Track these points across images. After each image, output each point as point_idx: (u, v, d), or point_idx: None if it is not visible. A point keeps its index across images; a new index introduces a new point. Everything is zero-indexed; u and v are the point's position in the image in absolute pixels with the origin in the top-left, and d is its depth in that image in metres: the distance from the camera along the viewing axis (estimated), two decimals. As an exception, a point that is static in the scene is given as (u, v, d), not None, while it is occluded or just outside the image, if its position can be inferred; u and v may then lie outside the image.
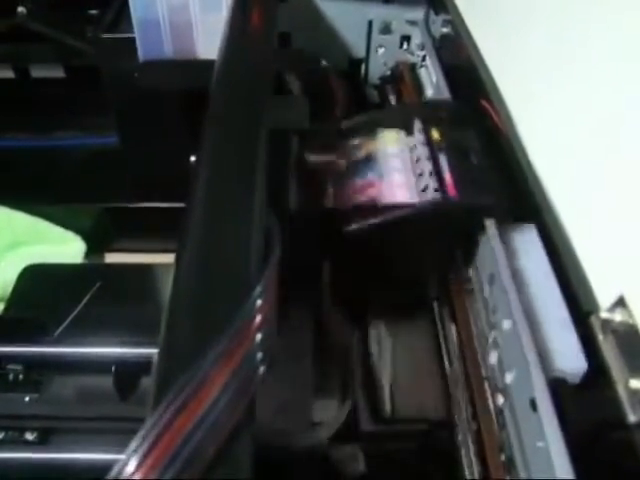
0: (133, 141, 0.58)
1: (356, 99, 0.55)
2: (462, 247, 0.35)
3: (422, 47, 0.51)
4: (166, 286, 0.57)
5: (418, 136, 0.38)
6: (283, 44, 0.52)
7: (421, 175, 0.36)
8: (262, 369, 0.18)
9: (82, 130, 0.66)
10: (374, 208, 0.34)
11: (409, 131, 0.40)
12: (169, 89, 0.52)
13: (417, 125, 0.39)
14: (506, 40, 0.38)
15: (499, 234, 0.32)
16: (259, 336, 0.18)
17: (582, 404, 0.24)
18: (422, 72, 0.51)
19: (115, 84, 0.54)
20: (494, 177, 0.34)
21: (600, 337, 0.22)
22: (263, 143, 0.27)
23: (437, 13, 0.51)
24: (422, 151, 0.37)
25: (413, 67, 0.52)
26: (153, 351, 0.44)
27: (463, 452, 0.29)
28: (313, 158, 0.38)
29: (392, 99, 0.51)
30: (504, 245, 0.31)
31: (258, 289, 0.19)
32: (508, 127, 0.35)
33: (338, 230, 0.34)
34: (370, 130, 0.40)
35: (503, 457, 0.27)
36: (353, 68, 0.55)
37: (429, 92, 0.48)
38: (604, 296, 0.23)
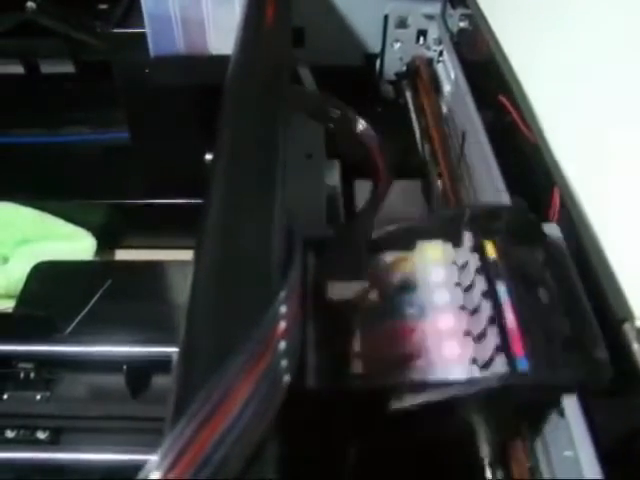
0: (144, 137, 0.58)
1: (372, 95, 0.55)
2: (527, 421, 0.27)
3: (439, 42, 0.50)
4: (178, 283, 0.57)
5: (468, 255, 0.29)
6: (297, 39, 0.51)
7: (475, 313, 0.27)
8: (287, 377, 0.18)
9: (92, 126, 0.65)
10: (417, 385, 0.25)
11: (456, 243, 0.30)
12: (180, 85, 0.52)
13: (467, 239, 0.29)
14: (530, 34, 0.37)
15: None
16: (283, 344, 0.18)
17: (613, 413, 0.23)
18: (439, 67, 0.50)
19: (126, 80, 0.54)
20: (588, 331, 0.25)
21: (635, 346, 0.22)
22: (282, 140, 0.26)
23: (454, 7, 0.50)
24: (476, 280, 0.27)
25: (430, 62, 0.51)
26: (165, 349, 0.44)
27: (485, 459, 0.28)
28: (336, 291, 0.28)
29: (408, 95, 0.50)
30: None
31: (282, 294, 0.19)
32: (532, 125, 0.34)
33: (368, 412, 0.26)
34: (407, 242, 0.30)
35: (528, 465, 0.26)
36: (368, 63, 0.54)
37: (447, 88, 0.47)
38: (638, 304, 0.22)
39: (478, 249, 0.28)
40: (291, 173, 0.26)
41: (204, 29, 0.49)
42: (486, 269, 0.27)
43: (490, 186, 0.35)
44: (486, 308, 0.26)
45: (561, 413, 0.23)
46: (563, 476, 0.23)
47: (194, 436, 0.15)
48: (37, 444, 0.40)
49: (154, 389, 0.42)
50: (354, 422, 0.27)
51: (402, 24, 0.52)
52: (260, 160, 0.25)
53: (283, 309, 0.18)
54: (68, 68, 0.63)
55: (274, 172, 0.24)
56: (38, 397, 0.42)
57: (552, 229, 0.32)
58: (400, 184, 0.42)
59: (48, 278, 0.54)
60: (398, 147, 0.48)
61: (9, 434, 0.41)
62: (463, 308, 0.27)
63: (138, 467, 0.15)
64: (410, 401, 0.25)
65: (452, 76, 0.45)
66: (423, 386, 0.25)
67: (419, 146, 0.45)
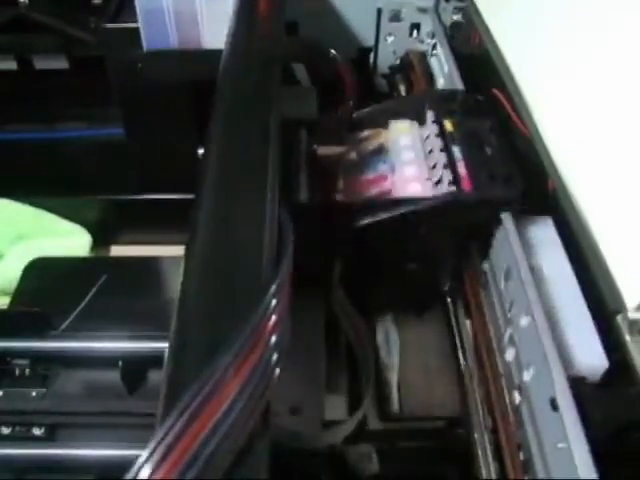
0: (139, 132, 0.57)
1: (365, 89, 0.54)
2: (477, 240, 0.34)
3: (432, 35, 0.50)
4: (173, 279, 0.57)
5: (431, 127, 0.37)
6: (291, 33, 0.51)
7: (434, 167, 0.35)
8: (277, 371, 0.18)
9: (87, 122, 0.65)
10: (386, 202, 0.34)
11: (421, 122, 0.39)
12: (174, 79, 0.52)
13: (430, 115, 0.38)
14: (523, 27, 0.37)
15: (515, 227, 0.31)
16: (274, 337, 0.18)
17: (606, 404, 0.23)
18: (433, 61, 0.50)
19: (119, 75, 0.54)
20: (509, 169, 0.33)
21: (627, 337, 0.22)
22: (274, 134, 0.26)
23: (448, 0, 0.50)
24: (435, 142, 0.36)
25: (423, 56, 0.51)
26: (160, 345, 0.44)
27: (479, 451, 0.28)
28: (323, 151, 0.37)
29: (402, 89, 0.50)
30: (521, 239, 0.30)
31: (273, 288, 0.19)
32: (524, 116, 0.34)
33: (349, 224, 0.33)
34: (381, 121, 0.39)
35: (521, 456, 0.26)
36: (362, 57, 0.54)
37: (440, 81, 0.47)
38: (631, 296, 0.22)
39: (438, 124, 0.36)
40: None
41: (197, 24, 0.49)
42: (444, 136, 0.35)
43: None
44: (442, 160, 0.34)
45: (554, 406, 0.23)
46: (556, 468, 0.23)
47: (183, 431, 0.15)
48: (33, 440, 0.40)
49: (150, 385, 0.42)
50: (336, 234, 0.34)
51: (395, 18, 0.52)
52: (251, 154, 0.25)
53: (274, 302, 0.18)
54: (62, 64, 0.63)
55: (266, 166, 0.24)
56: (33, 393, 0.42)
57: (546, 223, 0.32)
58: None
59: (43, 275, 0.53)
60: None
61: (5, 431, 0.41)
62: (426, 164, 0.35)
63: (134, 462, 0.15)
64: (379, 216, 0.32)
65: (445, 69, 0.45)
66: (388, 203, 0.33)
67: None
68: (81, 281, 0.51)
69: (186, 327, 0.18)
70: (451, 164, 0.34)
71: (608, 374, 0.24)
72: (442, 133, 0.36)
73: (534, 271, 0.29)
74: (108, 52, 0.53)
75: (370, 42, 0.53)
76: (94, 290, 0.49)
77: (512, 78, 0.37)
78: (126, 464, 0.15)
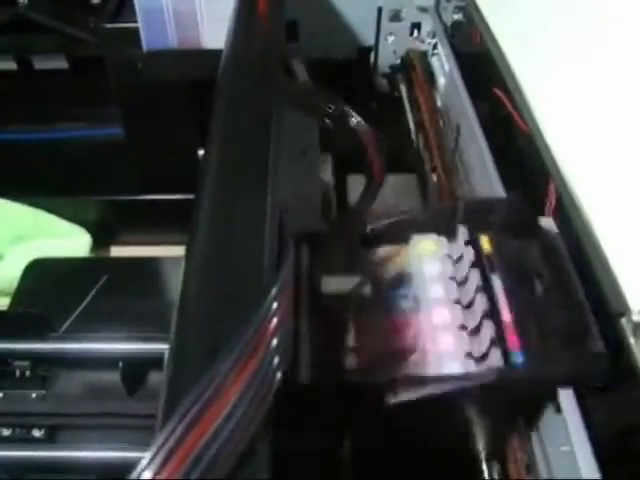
0: (138, 132, 0.57)
1: (366, 89, 0.54)
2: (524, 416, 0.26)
3: (433, 35, 0.50)
4: (173, 280, 0.57)
5: (463, 249, 0.29)
6: (291, 33, 0.50)
7: (470, 306, 0.27)
8: (279, 375, 0.17)
9: (86, 122, 0.65)
10: (412, 381, 0.25)
11: (450, 237, 0.30)
12: (174, 79, 0.52)
13: (462, 232, 0.29)
14: (524, 25, 0.37)
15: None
16: (275, 340, 0.18)
17: (609, 408, 0.23)
18: (434, 60, 0.50)
19: (119, 75, 0.54)
20: (578, 323, 0.25)
21: (631, 340, 0.21)
22: (275, 135, 0.26)
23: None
24: (471, 274, 0.27)
25: (424, 55, 0.51)
26: (161, 346, 0.43)
27: (482, 454, 0.28)
28: (329, 286, 0.28)
29: (403, 88, 0.50)
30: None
31: (274, 291, 0.18)
32: (525, 115, 0.34)
33: (364, 407, 0.26)
34: (400, 235, 0.30)
35: (524, 461, 0.26)
36: (362, 57, 0.54)
37: (441, 81, 0.47)
38: (635, 298, 0.22)
39: (473, 243, 0.28)
40: (286, 168, 0.26)
41: (197, 23, 0.49)
42: (481, 263, 0.27)
43: (485, 179, 0.35)
44: (481, 302, 0.26)
45: (557, 408, 0.23)
46: (560, 472, 0.23)
47: (184, 436, 0.15)
48: (33, 442, 0.40)
49: (150, 386, 0.42)
50: (348, 418, 0.27)
51: (396, 17, 0.52)
52: (252, 155, 0.25)
53: (275, 305, 0.18)
54: (61, 64, 0.63)
55: (266, 167, 0.24)
56: (34, 395, 0.42)
57: (548, 223, 0.32)
58: (394, 178, 0.42)
59: (43, 275, 0.53)
60: (392, 141, 0.48)
61: (5, 432, 0.41)
62: (458, 302, 0.27)
63: (135, 464, 0.14)
64: (405, 396, 0.25)
65: (446, 69, 0.45)
66: (418, 381, 0.25)
67: (413, 140, 0.45)
68: (81, 282, 0.51)
69: (186, 330, 0.18)
70: (492, 308, 0.25)
71: (613, 376, 0.23)
72: (479, 260, 0.27)
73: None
74: (108, 52, 0.53)
75: (370, 42, 0.53)
76: (94, 291, 0.49)
77: (513, 77, 0.36)
78: (126, 466, 0.15)
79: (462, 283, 0.28)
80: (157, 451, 0.14)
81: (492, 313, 0.25)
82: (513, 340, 0.24)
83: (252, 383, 0.16)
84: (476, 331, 0.26)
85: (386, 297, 0.28)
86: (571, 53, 0.33)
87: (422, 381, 0.25)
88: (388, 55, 0.53)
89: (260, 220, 0.22)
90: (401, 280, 0.29)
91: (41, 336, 0.43)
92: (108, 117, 0.62)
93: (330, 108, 0.41)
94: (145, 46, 0.50)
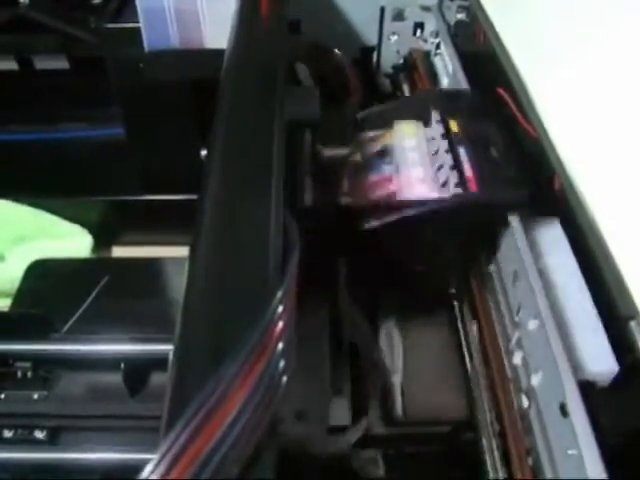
0: (139, 133, 0.57)
1: (369, 88, 0.54)
2: (484, 243, 0.34)
3: (436, 34, 0.50)
4: (175, 280, 0.57)
5: (436, 128, 0.37)
6: (293, 32, 0.50)
7: (440, 169, 0.34)
8: (284, 379, 0.17)
9: (87, 122, 0.65)
10: (392, 204, 0.33)
11: (426, 122, 0.38)
12: (176, 79, 0.52)
13: (435, 116, 0.37)
14: (529, 25, 0.36)
15: (523, 229, 0.31)
16: (281, 344, 0.17)
17: (620, 411, 0.23)
18: (437, 60, 0.49)
19: (120, 75, 0.53)
20: (516, 170, 0.33)
21: (641, 343, 0.21)
22: (279, 135, 0.26)
23: (452, -1, 0.49)
24: (441, 144, 0.35)
25: (427, 55, 0.51)
26: (163, 347, 0.43)
27: (487, 456, 0.28)
28: (327, 152, 0.36)
29: (405, 88, 0.50)
30: (528, 241, 0.30)
31: (279, 294, 0.18)
32: (530, 114, 0.34)
33: (355, 227, 0.32)
34: (385, 122, 0.38)
35: (530, 461, 0.26)
36: (365, 56, 0.54)
37: (444, 81, 0.46)
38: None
39: (443, 122, 0.36)
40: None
41: (199, 23, 0.49)
42: (450, 137, 0.35)
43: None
44: (448, 161, 0.33)
45: (564, 411, 0.23)
46: (566, 475, 0.23)
47: (190, 442, 0.14)
48: (35, 444, 0.40)
49: (152, 387, 0.42)
50: (340, 236, 0.33)
51: (399, 16, 0.51)
52: (256, 155, 0.25)
53: (280, 309, 0.18)
54: (62, 64, 0.63)
55: (270, 168, 0.24)
56: (35, 396, 0.42)
57: (553, 225, 0.32)
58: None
59: (45, 276, 0.53)
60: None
61: (7, 434, 0.40)
62: (431, 166, 0.35)
63: (137, 466, 0.14)
64: (384, 218, 0.31)
65: (449, 69, 0.45)
66: (394, 205, 0.32)
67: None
68: (83, 282, 0.51)
69: (191, 333, 0.18)
70: (457, 165, 0.33)
71: (620, 379, 0.23)
72: (447, 134, 0.35)
73: (542, 274, 0.28)
74: (109, 52, 0.53)
75: (373, 41, 0.53)
76: (96, 292, 0.49)
77: (518, 76, 0.36)
78: (129, 467, 0.14)
79: (434, 153, 0.35)
80: (162, 457, 0.14)
81: (457, 168, 0.33)
82: (473, 185, 0.32)
83: (258, 388, 0.16)
84: (444, 184, 0.33)
85: (373, 163, 0.36)
86: (575, 52, 0.33)
87: (397, 206, 0.32)
88: (391, 55, 0.53)
89: (264, 220, 0.21)
90: (385, 152, 0.37)
91: (43, 337, 0.43)
92: (109, 117, 0.62)
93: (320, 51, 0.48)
94: (146, 46, 0.49)
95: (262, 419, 0.16)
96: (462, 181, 0.32)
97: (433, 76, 0.48)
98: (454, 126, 0.36)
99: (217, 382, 0.15)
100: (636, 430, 0.22)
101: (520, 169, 0.33)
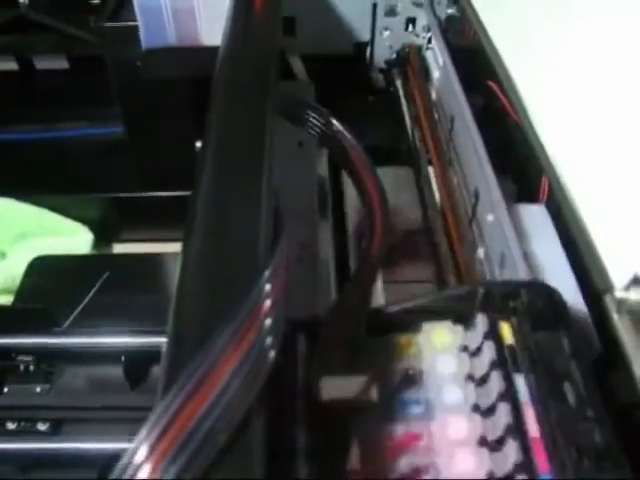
0: (139, 130, 0.58)
1: (361, 84, 0.55)
2: None
3: (428, 29, 0.50)
4: (174, 275, 0.57)
5: (481, 332, 0.25)
6: (288, 28, 0.51)
7: (489, 413, 0.23)
8: (272, 354, 0.18)
9: (88, 120, 0.65)
10: None
11: (467, 324, 0.26)
12: (173, 77, 0.52)
13: (481, 320, 0.25)
14: (515, 19, 0.37)
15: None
16: (268, 321, 0.18)
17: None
18: (428, 54, 0.50)
19: (119, 73, 0.54)
20: (609, 435, 0.21)
21: (615, 317, 0.22)
22: (270, 128, 0.27)
23: (442, -6, 0.50)
24: (489, 363, 0.24)
25: (420, 50, 0.51)
26: (162, 340, 0.44)
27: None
28: (329, 390, 0.23)
29: (398, 83, 0.51)
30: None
31: (267, 273, 0.19)
32: (518, 108, 0.34)
33: None
34: (411, 322, 0.26)
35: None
36: (358, 52, 0.54)
37: (435, 75, 0.47)
38: (618, 275, 0.22)
39: (493, 334, 0.24)
40: (282, 161, 0.26)
41: (195, 20, 0.49)
42: (502, 359, 0.24)
43: (479, 172, 0.35)
44: (504, 411, 0.22)
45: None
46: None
47: (179, 410, 0.15)
48: (38, 435, 0.41)
49: (153, 379, 0.43)
50: None
51: (391, 12, 0.52)
52: (247, 146, 0.26)
53: (268, 287, 0.19)
54: (62, 63, 0.63)
55: (261, 157, 0.25)
56: (38, 389, 0.43)
57: (540, 211, 0.32)
58: (390, 171, 0.43)
59: (46, 272, 0.54)
60: (389, 135, 0.49)
61: (10, 426, 0.41)
62: (476, 408, 0.23)
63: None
64: None
65: (440, 63, 0.45)
66: None
67: (409, 134, 0.46)
68: (84, 278, 0.51)
69: (182, 313, 0.19)
70: (516, 412, 0.22)
71: (602, 355, 0.24)
72: (500, 350, 0.24)
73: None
74: (107, 50, 0.53)
75: (366, 37, 0.53)
76: (97, 287, 0.50)
77: (506, 70, 0.37)
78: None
79: (481, 383, 0.24)
80: (154, 424, 0.15)
81: (516, 426, 0.22)
82: (542, 460, 0.21)
83: (246, 360, 0.17)
84: (498, 447, 0.22)
85: (394, 402, 0.25)
86: (563, 46, 0.33)
87: None
88: (384, 50, 0.54)
89: (255, 207, 0.22)
90: (411, 379, 0.25)
91: (45, 331, 0.43)
92: (109, 116, 0.62)
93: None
94: (144, 44, 0.50)
95: (251, 389, 0.17)
96: (524, 446, 0.21)
97: (425, 70, 0.49)
98: (506, 332, 0.25)
99: (206, 355, 0.16)
100: (612, 404, 0.23)
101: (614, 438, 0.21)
